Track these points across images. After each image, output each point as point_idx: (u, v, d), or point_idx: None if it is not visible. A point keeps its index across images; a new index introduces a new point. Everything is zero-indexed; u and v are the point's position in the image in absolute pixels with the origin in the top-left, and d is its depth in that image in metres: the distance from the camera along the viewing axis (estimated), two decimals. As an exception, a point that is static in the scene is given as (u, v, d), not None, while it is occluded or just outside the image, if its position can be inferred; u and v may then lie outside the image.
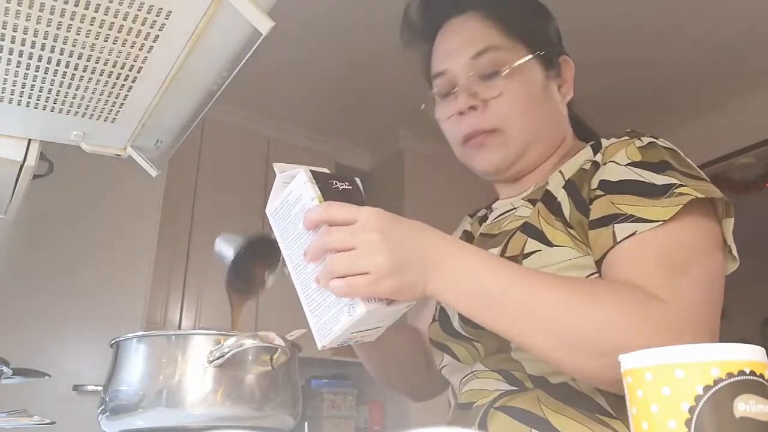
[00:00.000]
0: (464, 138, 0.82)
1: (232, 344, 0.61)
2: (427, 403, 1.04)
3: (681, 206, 0.64)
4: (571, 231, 0.72)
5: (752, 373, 0.36)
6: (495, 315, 0.60)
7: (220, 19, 0.69)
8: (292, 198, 0.63)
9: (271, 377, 0.65)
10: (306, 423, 2.98)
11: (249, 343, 0.61)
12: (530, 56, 0.80)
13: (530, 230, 0.75)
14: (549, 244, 0.72)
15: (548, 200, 0.76)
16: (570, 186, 0.75)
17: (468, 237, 0.94)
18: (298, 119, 3.14)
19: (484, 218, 0.93)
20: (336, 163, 3.23)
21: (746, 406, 0.35)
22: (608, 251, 0.66)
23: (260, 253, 0.77)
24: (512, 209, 0.84)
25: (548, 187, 0.78)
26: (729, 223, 0.70)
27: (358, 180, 0.66)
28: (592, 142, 0.79)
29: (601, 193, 0.70)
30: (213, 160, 2.96)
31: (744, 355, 0.36)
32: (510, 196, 0.88)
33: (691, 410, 0.35)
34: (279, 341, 0.63)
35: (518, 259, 0.74)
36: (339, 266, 0.57)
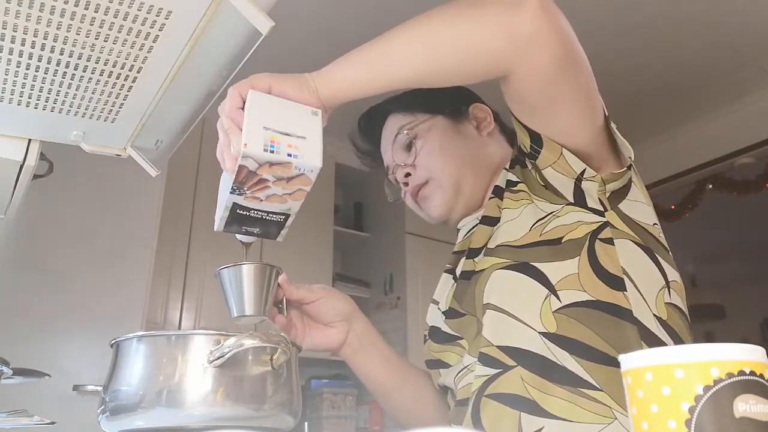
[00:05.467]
0: (412, 198, 0.97)
1: (232, 344, 0.61)
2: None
3: None
4: (528, 183, 0.82)
5: (752, 373, 0.36)
6: (395, 65, 0.69)
7: (220, 19, 0.69)
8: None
9: (271, 377, 0.65)
10: (306, 423, 2.98)
11: (249, 343, 0.61)
12: (429, 117, 0.97)
13: (488, 220, 0.84)
14: (501, 217, 0.82)
15: (497, 191, 0.88)
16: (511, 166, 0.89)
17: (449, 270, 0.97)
18: (298, 119, 3.14)
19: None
20: (336, 163, 3.23)
21: (746, 406, 0.35)
22: None
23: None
24: (477, 223, 0.89)
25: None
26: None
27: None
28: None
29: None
30: (213, 160, 2.95)
31: (744, 355, 0.36)
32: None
33: (691, 410, 0.35)
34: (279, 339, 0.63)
35: (486, 244, 0.82)
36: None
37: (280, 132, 0.63)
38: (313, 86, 0.67)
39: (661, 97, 3.01)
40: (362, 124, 1.07)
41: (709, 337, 5.25)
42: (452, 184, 0.93)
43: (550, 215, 0.78)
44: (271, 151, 0.62)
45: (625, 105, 2.95)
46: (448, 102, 0.99)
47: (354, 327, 0.89)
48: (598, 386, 0.69)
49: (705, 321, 5.24)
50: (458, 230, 0.96)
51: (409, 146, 0.97)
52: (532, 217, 0.79)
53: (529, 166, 0.82)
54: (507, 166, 0.89)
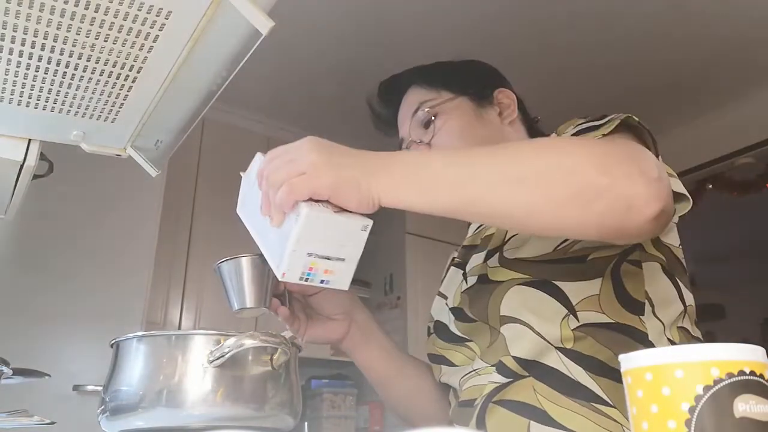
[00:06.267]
0: None
1: (232, 344, 0.61)
2: (427, 403, 1.04)
3: (618, 122, 0.71)
4: None
5: (752, 373, 0.36)
6: (466, 193, 0.59)
7: (220, 19, 0.69)
8: (250, 175, 0.64)
9: (271, 377, 0.65)
10: (306, 423, 2.98)
11: (249, 343, 0.61)
12: (453, 97, 0.94)
13: None
14: None
15: None
16: None
17: (454, 262, 0.95)
18: (299, 119, 3.14)
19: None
20: (336, 163, 3.22)
21: (746, 406, 0.35)
22: None
23: None
24: None
25: None
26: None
27: None
28: None
29: None
30: (213, 160, 2.96)
31: (744, 355, 0.36)
32: None
33: (691, 410, 0.35)
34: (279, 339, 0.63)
35: (502, 247, 0.80)
36: (277, 174, 0.59)
37: (321, 257, 0.60)
38: (376, 198, 0.60)
39: (661, 96, 3.01)
40: (383, 89, 1.05)
41: (709, 337, 5.23)
42: None
43: None
44: (306, 279, 0.60)
45: (624, 105, 2.94)
46: (474, 83, 0.97)
47: (356, 319, 0.90)
48: (611, 403, 0.69)
49: (705, 321, 5.23)
50: (469, 224, 0.96)
51: (427, 123, 0.94)
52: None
53: None
54: None
